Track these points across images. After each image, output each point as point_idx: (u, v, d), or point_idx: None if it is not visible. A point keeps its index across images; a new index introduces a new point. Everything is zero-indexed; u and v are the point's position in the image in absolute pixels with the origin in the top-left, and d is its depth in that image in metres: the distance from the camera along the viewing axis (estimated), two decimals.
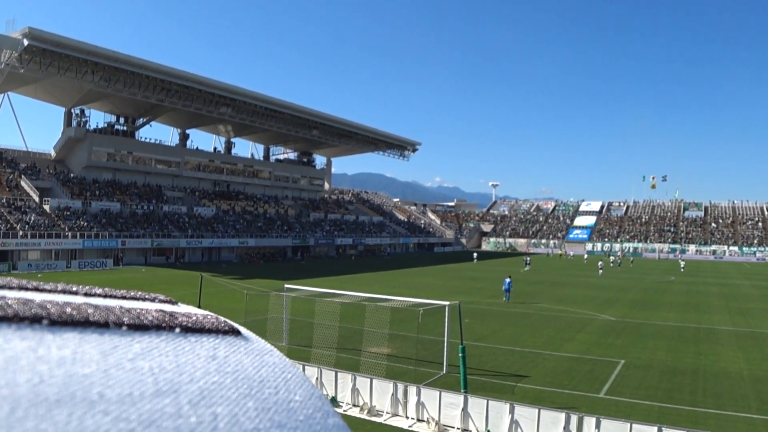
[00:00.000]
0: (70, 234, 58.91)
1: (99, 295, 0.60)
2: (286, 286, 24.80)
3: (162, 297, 0.66)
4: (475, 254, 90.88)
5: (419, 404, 15.21)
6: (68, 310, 0.49)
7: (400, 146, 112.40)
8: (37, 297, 0.51)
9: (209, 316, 0.62)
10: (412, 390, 15.43)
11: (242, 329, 0.64)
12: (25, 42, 54.58)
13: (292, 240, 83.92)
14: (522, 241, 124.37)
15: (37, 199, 63.31)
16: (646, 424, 12.85)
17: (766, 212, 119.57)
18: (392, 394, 15.56)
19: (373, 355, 20.58)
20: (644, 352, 22.98)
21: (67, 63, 59.41)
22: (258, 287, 34.47)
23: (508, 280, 38.94)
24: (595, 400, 16.55)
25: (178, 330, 0.55)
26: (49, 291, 0.56)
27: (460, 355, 16.93)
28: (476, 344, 22.74)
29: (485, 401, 14.34)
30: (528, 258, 76.19)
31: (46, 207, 62.50)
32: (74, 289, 0.59)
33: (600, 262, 70.90)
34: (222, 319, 0.63)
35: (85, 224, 61.86)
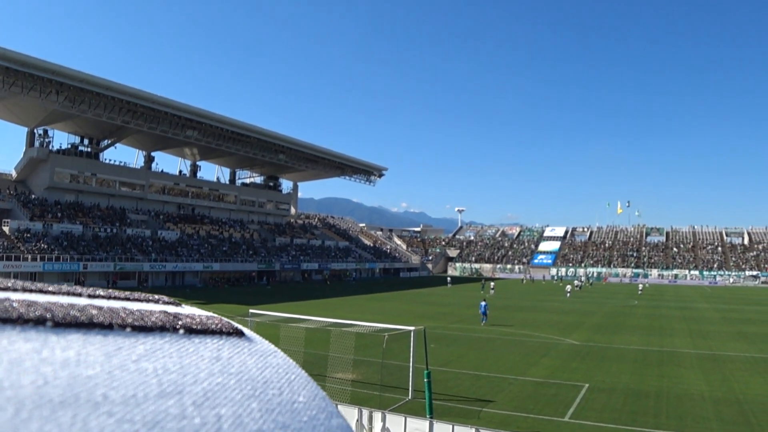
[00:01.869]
0: (29, 257, 57.62)
1: (103, 297, 0.60)
2: (250, 311, 24.52)
3: (166, 298, 0.66)
4: (449, 278, 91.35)
5: (384, 430, 15.06)
6: (72, 311, 0.49)
7: (366, 171, 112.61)
8: (41, 299, 0.51)
9: (213, 318, 0.62)
10: (377, 416, 15.28)
11: (246, 330, 0.64)
12: None
13: (258, 264, 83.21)
14: (488, 266, 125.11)
15: None
16: None
17: (725, 237, 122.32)
18: (357, 420, 15.40)
19: (339, 381, 20.40)
20: (608, 376, 23.14)
21: (32, 82, 58.12)
22: (222, 312, 33.86)
23: (483, 303, 39.58)
24: (560, 424, 16.58)
25: (181, 331, 0.55)
26: (53, 293, 0.56)
27: (425, 380, 16.85)
28: (442, 369, 22.69)
29: (451, 426, 14.25)
30: (492, 283, 76.50)
31: (6, 229, 61.11)
32: (78, 290, 0.59)
33: (568, 287, 72.32)
34: (225, 320, 0.63)
35: (46, 247, 60.56)
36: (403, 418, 14.93)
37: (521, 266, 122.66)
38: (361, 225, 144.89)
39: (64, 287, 0.59)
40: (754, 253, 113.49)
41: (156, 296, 0.67)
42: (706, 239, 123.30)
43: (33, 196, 70.45)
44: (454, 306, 50.73)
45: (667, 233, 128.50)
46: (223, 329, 0.60)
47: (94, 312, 0.51)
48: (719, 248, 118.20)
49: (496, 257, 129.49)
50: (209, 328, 0.59)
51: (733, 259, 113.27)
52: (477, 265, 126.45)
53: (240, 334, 0.62)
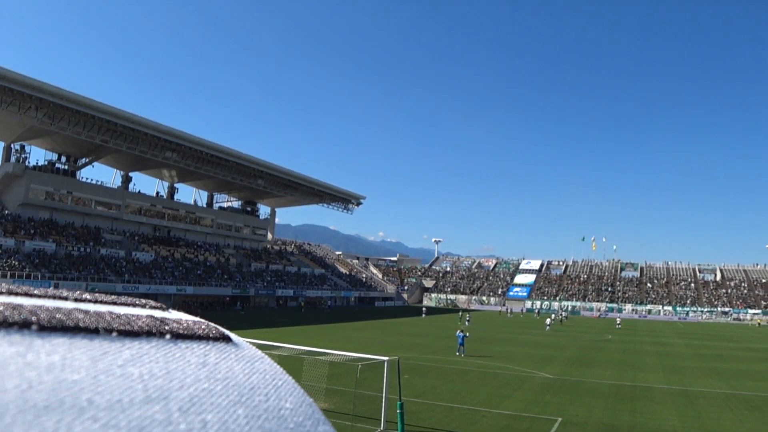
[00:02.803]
0: None
1: (89, 301, 0.59)
2: None
3: (153, 303, 0.65)
4: (424, 308, 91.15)
5: None
6: (58, 315, 0.49)
7: (344, 199, 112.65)
8: (27, 302, 0.51)
9: (200, 323, 0.62)
10: None
11: (233, 336, 0.63)
12: None
13: (232, 289, 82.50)
14: (463, 297, 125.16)
15: None
16: None
17: (698, 273, 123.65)
18: None
19: None
20: (581, 410, 23.10)
21: (11, 97, 57.40)
22: None
23: (460, 334, 39.17)
24: None
25: (168, 336, 0.55)
26: (39, 296, 0.56)
27: (398, 411, 16.72)
28: (415, 400, 22.51)
29: None
30: (468, 314, 76.34)
31: None
32: (64, 294, 0.59)
33: (548, 319, 72.89)
34: (212, 325, 0.63)
35: (17, 264, 59.60)
36: None
37: (497, 298, 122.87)
38: (338, 253, 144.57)
39: (50, 291, 0.59)
40: (726, 290, 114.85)
41: (143, 300, 0.66)
42: (680, 275, 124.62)
43: (6, 212, 69.41)
44: (428, 337, 50.58)
45: (642, 268, 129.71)
46: (210, 334, 0.60)
47: (80, 316, 0.50)
48: (692, 284, 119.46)
49: (471, 288, 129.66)
50: (196, 333, 0.58)
51: (706, 295, 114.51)
52: (452, 296, 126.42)
53: (227, 339, 0.61)
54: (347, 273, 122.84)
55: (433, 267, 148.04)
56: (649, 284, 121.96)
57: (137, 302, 0.64)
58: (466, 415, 21.53)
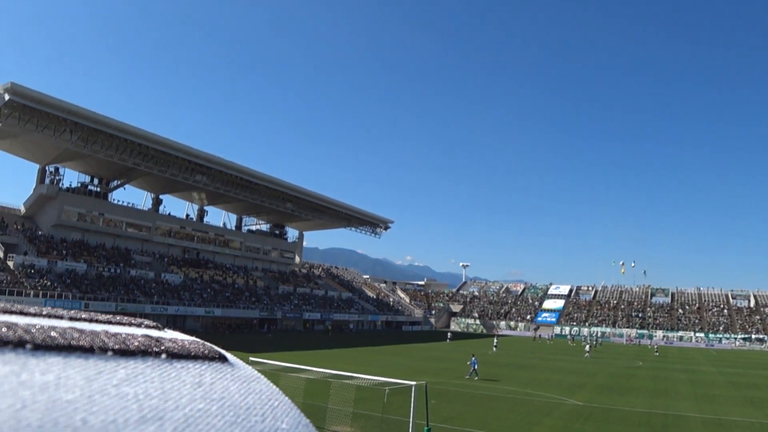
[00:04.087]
0: (32, 292, 57.56)
1: (84, 320, 0.59)
2: (251, 358, 24.30)
3: (148, 322, 0.65)
4: (449, 334, 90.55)
5: None
6: (53, 334, 0.48)
7: (372, 223, 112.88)
8: (22, 321, 0.50)
9: (196, 342, 0.61)
10: None
11: (229, 355, 0.63)
12: (6, 97, 54.17)
13: (260, 312, 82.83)
14: (492, 322, 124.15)
15: (1, 254, 62.13)
16: None
17: (731, 300, 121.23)
18: None
19: None
20: None
21: (47, 120, 58.92)
22: None
23: (473, 359, 40.08)
24: None
25: (164, 356, 0.54)
26: (34, 315, 0.56)
27: None
28: (442, 426, 22.32)
29: None
30: (495, 339, 75.71)
31: (10, 263, 61.25)
32: (59, 313, 0.58)
33: (587, 346, 72.48)
34: (208, 345, 0.62)
35: (49, 283, 60.58)
36: None
37: (525, 323, 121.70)
38: (365, 276, 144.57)
39: (45, 309, 0.58)
40: (760, 316, 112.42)
41: (138, 320, 0.66)
42: (712, 301, 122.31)
43: (39, 233, 70.78)
44: (454, 362, 50.17)
45: (673, 294, 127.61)
46: (206, 354, 0.59)
47: (75, 335, 0.49)
48: (725, 310, 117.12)
49: (499, 314, 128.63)
50: (192, 353, 0.58)
51: (739, 321, 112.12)
52: (480, 321, 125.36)
53: (223, 359, 0.61)
54: (374, 297, 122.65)
55: (461, 291, 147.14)
56: (680, 310, 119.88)
57: (133, 321, 0.64)
58: None
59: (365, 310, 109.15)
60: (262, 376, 0.63)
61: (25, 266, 61.72)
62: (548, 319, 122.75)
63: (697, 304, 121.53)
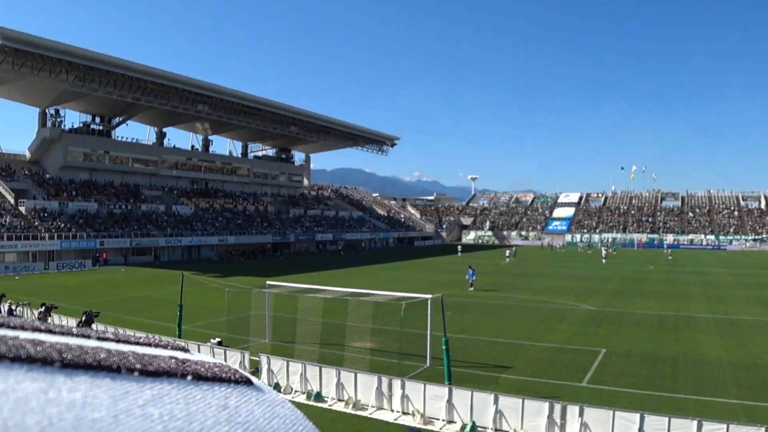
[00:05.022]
0: (47, 235, 58.24)
1: (111, 340, 0.59)
2: (267, 282, 24.72)
3: (174, 344, 0.66)
4: (459, 247, 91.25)
5: (404, 397, 15.22)
6: (80, 353, 0.49)
7: (378, 141, 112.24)
8: (50, 339, 0.51)
9: (222, 365, 0.62)
10: (397, 383, 15.43)
11: (254, 379, 0.64)
12: None
13: (272, 236, 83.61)
14: (503, 233, 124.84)
15: (12, 200, 62.55)
16: (629, 411, 12.95)
17: (741, 201, 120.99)
18: (377, 388, 15.56)
19: (357, 350, 20.61)
20: (625, 341, 23.21)
21: (41, 63, 58.01)
22: (239, 284, 34.31)
23: (470, 270, 41.70)
24: (578, 389, 16.69)
25: (189, 378, 0.55)
26: (62, 333, 0.56)
27: (443, 347, 16.99)
28: (459, 336, 22.83)
29: (470, 393, 14.39)
30: (508, 251, 76.17)
31: (22, 209, 61.76)
32: (87, 332, 0.59)
33: (604, 251, 74.97)
34: (234, 368, 0.62)
35: (63, 225, 61.18)
36: (423, 385, 15.08)
37: (536, 233, 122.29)
38: (375, 195, 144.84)
39: (74, 329, 0.59)
40: None
41: (165, 341, 0.67)
42: (722, 203, 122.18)
43: (47, 176, 70.90)
44: (467, 274, 50.85)
45: (683, 198, 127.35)
46: (232, 377, 0.60)
47: (103, 355, 0.51)
48: (735, 212, 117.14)
49: (510, 224, 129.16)
50: (218, 376, 0.58)
51: (750, 223, 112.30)
52: (490, 232, 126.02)
53: (249, 382, 0.62)
54: (385, 214, 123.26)
55: (471, 204, 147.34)
56: (690, 213, 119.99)
57: (159, 342, 0.65)
58: (511, 349, 21.79)
59: (377, 228, 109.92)
60: (287, 401, 0.62)
61: (36, 210, 62.19)
62: (559, 228, 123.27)
63: (707, 207, 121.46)
